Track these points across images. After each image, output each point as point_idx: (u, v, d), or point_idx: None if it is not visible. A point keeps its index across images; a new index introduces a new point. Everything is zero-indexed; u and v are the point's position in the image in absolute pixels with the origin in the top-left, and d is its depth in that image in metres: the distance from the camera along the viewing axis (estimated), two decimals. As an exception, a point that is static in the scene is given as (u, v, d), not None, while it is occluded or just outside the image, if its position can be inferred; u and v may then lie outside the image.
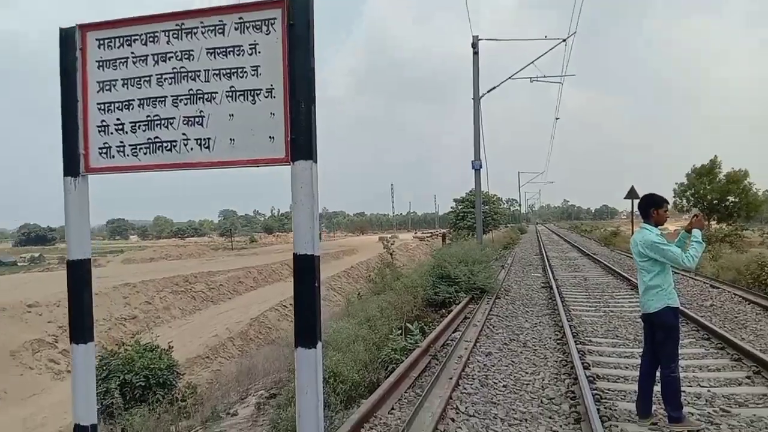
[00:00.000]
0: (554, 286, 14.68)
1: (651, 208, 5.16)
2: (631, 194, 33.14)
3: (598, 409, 5.41)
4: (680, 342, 9.13)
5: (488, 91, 22.13)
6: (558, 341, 8.75)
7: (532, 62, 21.73)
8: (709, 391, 6.11)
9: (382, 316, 9.44)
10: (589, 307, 12.19)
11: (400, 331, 8.42)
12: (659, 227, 5.20)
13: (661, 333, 5.03)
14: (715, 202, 36.44)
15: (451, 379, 6.21)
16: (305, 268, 2.57)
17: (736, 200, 35.19)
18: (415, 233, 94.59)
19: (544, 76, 22.14)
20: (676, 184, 38.56)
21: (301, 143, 2.43)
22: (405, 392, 6.06)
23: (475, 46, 21.88)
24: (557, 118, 29.22)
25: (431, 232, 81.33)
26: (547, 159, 74.57)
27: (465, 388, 6.14)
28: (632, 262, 22.16)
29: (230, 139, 2.60)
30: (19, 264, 76.40)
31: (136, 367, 12.61)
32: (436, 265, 12.80)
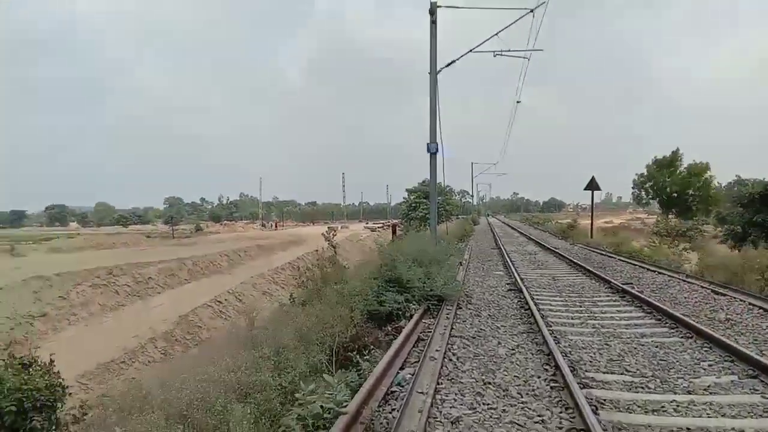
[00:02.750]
0: (523, 289, 12.07)
1: None
2: (592, 185, 31.13)
3: None
4: (701, 375, 6.65)
5: (447, 65, 19.35)
6: (552, 382, 6.02)
7: (496, 34, 19.06)
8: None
9: (301, 343, 6.50)
10: (572, 318, 9.59)
11: (317, 375, 5.51)
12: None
13: None
14: (674, 194, 34.89)
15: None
16: None
17: (697, 193, 33.67)
18: (366, 223, 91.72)
19: (509, 50, 19.50)
20: (636, 175, 36.91)
21: None
22: None
23: (433, 13, 19.08)
24: (518, 102, 26.60)
25: (382, 223, 78.67)
26: (503, 148, 72.64)
27: None
28: (602, 259, 20.05)
29: None
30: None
31: (6, 389, 9.76)
32: (382, 266, 9.91)
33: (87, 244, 51.31)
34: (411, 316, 8.68)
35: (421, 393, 5.29)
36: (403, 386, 5.60)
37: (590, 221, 31.82)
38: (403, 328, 8.28)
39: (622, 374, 6.43)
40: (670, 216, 36.02)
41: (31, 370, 11.50)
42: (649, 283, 13.30)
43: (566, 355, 7.04)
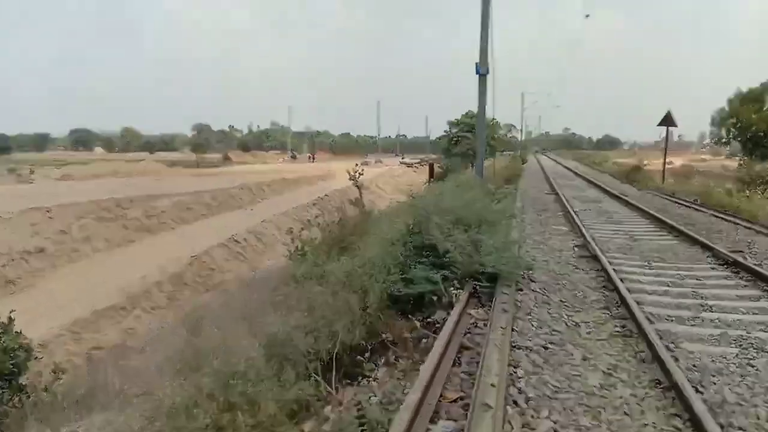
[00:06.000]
0: (600, 256, 9.55)
1: None
2: (667, 120, 27.71)
3: None
4: None
5: (505, -37, 16.15)
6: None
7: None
8: None
9: (273, 358, 4.19)
10: (677, 307, 7.03)
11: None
12: None
13: None
14: (761, 134, 31.10)
15: None
16: None
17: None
18: (402, 158, 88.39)
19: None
20: (716, 110, 33.06)
21: None
22: None
23: None
24: (587, 16, 22.80)
25: (420, 159, 75.45)
26: (561, 75, 67.94)
27: None
28: (686, 212, 17.12)
29: None
30: (-41, 175, 70.09)
31: (-45, 352, 8.48)
32: (413, 226, 7.47)
33: (103, 171, 50.28)
34: (450, 304, 6.29)
35: None
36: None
37: (662, 163, 28.59)
38: (438, 323, 5.95)
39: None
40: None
41: (-13, 330, 10.18)
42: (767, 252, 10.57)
43: (699, 390, 4.58)
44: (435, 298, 6.48)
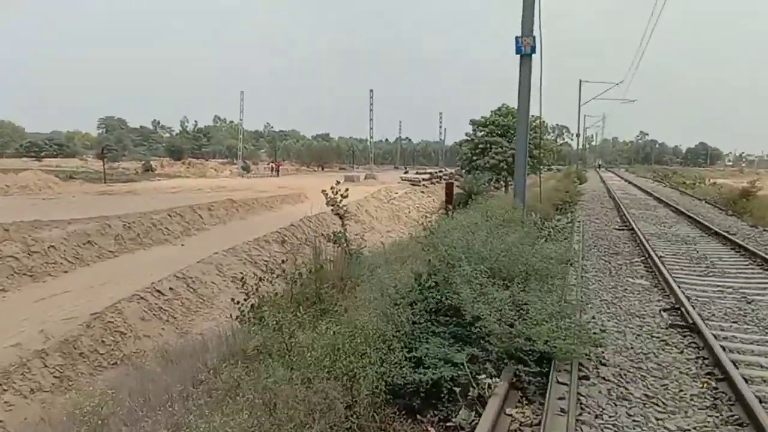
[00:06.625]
0: (702, 328, 9.51)
1: None
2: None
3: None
4: None
5: None
6: None
7: None
8: None
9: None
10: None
11: None
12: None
13: None
14: None
15: None
16: None
17: None
18: (405, 171, 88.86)
19: None
20: None
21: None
22: None
23: None
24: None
25: (431, 173, 75.84)
26: (635, 57, 68.50)
27: None
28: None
29: None
30: None
31: None
32: (427, 277, 7.46)
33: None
34: (481, 399, 6.23)
35: None
36: None
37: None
38: (462, 429, 5.89)
39: None
40: None
41: None
42: None
43: None
44: (458, 389, 6.42)
